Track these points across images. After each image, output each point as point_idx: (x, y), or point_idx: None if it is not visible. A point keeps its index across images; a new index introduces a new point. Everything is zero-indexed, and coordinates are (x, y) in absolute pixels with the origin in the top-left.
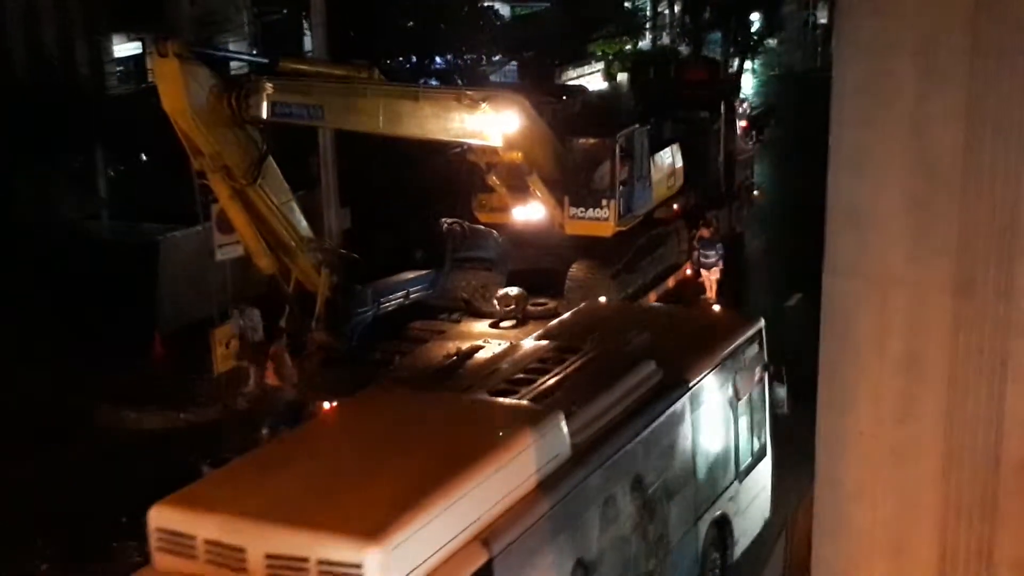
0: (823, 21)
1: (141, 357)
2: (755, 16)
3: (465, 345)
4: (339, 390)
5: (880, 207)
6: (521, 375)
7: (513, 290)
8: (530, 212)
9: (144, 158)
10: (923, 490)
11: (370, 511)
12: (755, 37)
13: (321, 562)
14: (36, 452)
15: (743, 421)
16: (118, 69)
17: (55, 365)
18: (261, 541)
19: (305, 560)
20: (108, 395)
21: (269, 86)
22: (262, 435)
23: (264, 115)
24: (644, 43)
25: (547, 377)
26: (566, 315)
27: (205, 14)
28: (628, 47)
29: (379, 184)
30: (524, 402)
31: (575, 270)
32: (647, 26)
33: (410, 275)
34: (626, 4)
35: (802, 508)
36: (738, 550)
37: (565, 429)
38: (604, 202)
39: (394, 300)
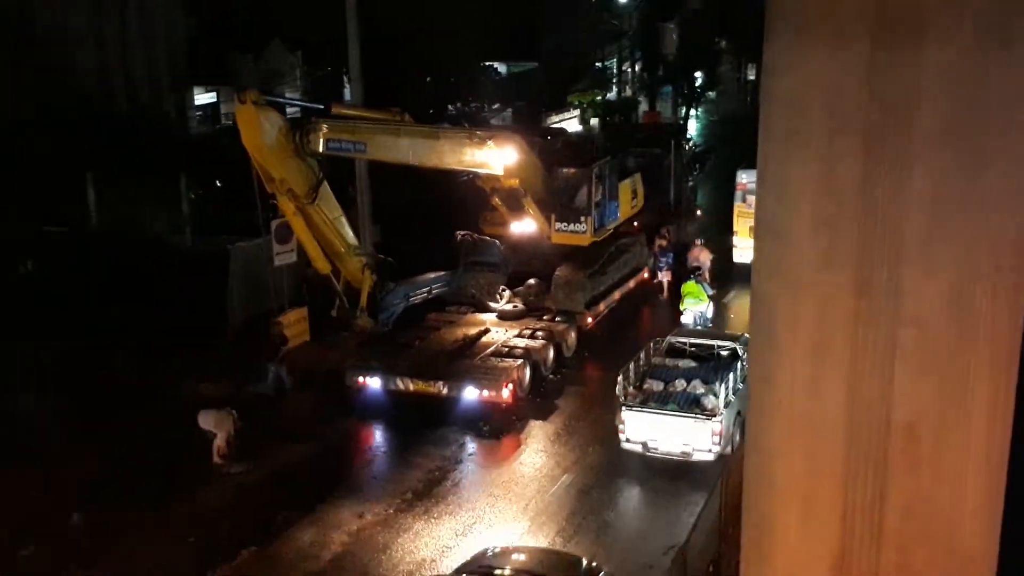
0: (752, 77)
1: (216, 342)
2: (699, 73)
3: (473, 331)
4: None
5: (796, 226)
6: None
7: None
8: (525, 226)
9: (218, 184)
10: (829, 451)
11: None
12: (699, 90)
13: None
14: (128, 419)
15: None
16: (198, 113)
17: (148, 350)
18: None
19: None
20: (190, 372)
21: (324, 126)
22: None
23: (320, 149)
24: (611, 95)
25: None
26: None
27: (267, 70)
28: (599, 98)
29: (404, 205)
30: None
31: (560, 272)
32: (614, 81)
33: (432, 275)
34: (597, 64)
35: (735, 461)
36: None
37: None
38: (583, 219)
39: (420, 294)
